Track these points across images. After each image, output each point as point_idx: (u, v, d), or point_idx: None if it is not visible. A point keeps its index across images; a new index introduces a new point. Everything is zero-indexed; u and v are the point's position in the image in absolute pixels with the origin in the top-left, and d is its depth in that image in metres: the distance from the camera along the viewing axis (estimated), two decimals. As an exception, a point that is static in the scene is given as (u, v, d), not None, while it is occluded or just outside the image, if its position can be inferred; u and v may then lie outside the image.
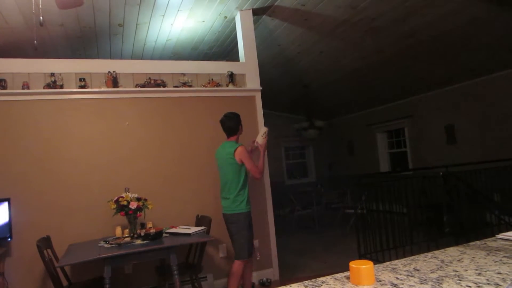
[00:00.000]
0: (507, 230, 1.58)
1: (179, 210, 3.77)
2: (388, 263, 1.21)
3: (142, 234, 2.95)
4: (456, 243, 3.11)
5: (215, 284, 3.85)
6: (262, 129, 3.60)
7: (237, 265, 3.19)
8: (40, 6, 2.90)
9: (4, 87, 3.35)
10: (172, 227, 3.34)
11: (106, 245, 2.89)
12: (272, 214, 4.22)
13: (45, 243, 2.96)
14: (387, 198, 4.31)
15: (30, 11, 3.51)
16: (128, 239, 2.98)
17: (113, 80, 3.72)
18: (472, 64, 5.57)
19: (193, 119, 3.99)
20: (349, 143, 9.43)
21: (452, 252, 1.27)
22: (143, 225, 3.19)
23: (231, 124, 3.35)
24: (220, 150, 3.40)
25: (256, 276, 3.96)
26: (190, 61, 4.55)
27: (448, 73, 6.01)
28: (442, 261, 1.17)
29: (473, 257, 1.18)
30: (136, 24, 4.30)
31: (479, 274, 1.01)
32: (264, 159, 3.44)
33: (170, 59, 5.42)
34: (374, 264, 1.02)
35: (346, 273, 1.08)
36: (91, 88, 3.64)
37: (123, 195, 3.12)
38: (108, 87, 3.69)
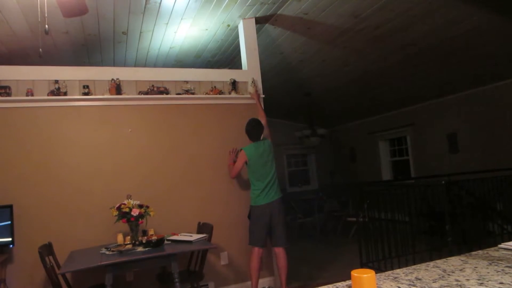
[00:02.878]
0: (509, 240, 1.58)
1: (180, 218, 3.77)
2: (390, 272, 1.21)
3: (144, 241, 2.95)
4: (458, 252, 3.09)
5: (216, 292, 3.83)
6: (249, 80, 4.24)
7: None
8: (46, 15, 2.94)
9: (9, 94, 3.38)
10: (174, 234, 3.34)
11: (107, 252, 2.89)
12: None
13: (47, 250, 2.96)
14: (389, 207, 4.30)
15: (35, 19, 3.55)
16: (129, 246, 2.98)
17: (117, 88, 3.74)
18: (475, 72, 5.58)
19: (196, 126, 4.00)
20: (351, 151, 9.43)
21: (454, 261, 1.27)
22: (144, 232, 3.19)
23: (260, 130, 3.79)
24: (256, 151, 3.71)
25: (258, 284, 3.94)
26: (193, 68, 4.58)
27: (450, 82, 6.02)
28: (444, 271, 1.16)
29: (475, 267, 1.18)
30: (140, 32, 4.34)
31: (481, 284, 1.01)
32: (261, 106, 4.15)
33: (173, 66, 5.46)
34: (376, 273, 1.02)
35: (348, 282, 1.08)
36: (95, 95, 3.66)
37: (125, 202, 3.12)
38: (111, 94, 3.71)
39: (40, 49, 3.94)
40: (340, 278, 1.26)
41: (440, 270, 1.18)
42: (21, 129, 3.37)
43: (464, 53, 4.96)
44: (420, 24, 4.28)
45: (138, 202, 3.15)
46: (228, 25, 4.47)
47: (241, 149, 3.78)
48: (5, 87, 3.37)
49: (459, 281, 1.05)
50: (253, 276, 3.62)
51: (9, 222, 3.15)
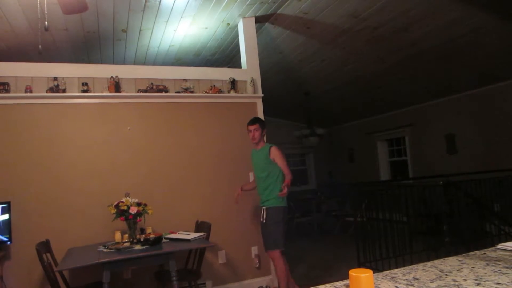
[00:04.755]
0: (506, 240, 1.58)
1: (179, 216, 3.77)
2: (387, 272, 1.21)
3: (142, 239, 2.95)
4: (455, 252, 3.10)
5: (213, 291, 3.84)
6: (248, 79, 4.21)
7: None
8: (46, 11, 2.93)
9: (7, 91, 3.37)
10: (172, 232, 3.34)
11: (105, 250, 2.89)
12: (272, 221, 4.20)
13: (44, 247, 2.96)
14: (387, 207, 4.30)
15: (34, 15, 3.54)
16: (127, 244, 2.98)
17: (116, 85, 3.74)
18: (474, 73, 5.59)
19: (195, 125, 4.00)
20: (349, 151, 9.43)
21: (451, 261, 1.27)
22: (142, 230, 3.19)
23: None
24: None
25: (255, 283, 3.95)
26: (192, 67, 4.57)
27: (449, 83, 6.03)
28: (442, 271, 1.17)
29: (473, 267, 1.18)
30: (140, 30, 4.33)
31: (478, 284, 1.01)
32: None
33: (173, 65, 5.45)
34: (374, 272, 1.02)
35: (346, 282, 1.08)
36: (94, 92, 3.65)
37: (123, 200, 3.12)
38: (110, 92, 3.70)
39: (40, 46, 3.92)
40: (338, 277, 1.27)
41: (438, 270, 1.18)
42: (19, 126, 3.36)
43: (463, 54, 4.97)
44: (420, 25, 4.28)
45: (136, 200, 3.15)
46: (228, 24, 4.46)
47: (271, 146, 3.51)
48: (3, 84, 3.36)
49: (457, 281, 1.06)
50: (289, 279, 3.50)
51: (7, 218, 3.14)
